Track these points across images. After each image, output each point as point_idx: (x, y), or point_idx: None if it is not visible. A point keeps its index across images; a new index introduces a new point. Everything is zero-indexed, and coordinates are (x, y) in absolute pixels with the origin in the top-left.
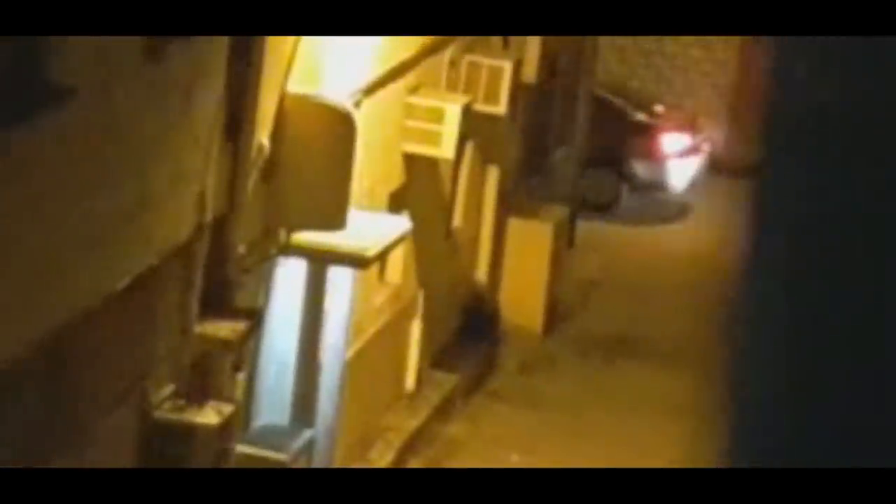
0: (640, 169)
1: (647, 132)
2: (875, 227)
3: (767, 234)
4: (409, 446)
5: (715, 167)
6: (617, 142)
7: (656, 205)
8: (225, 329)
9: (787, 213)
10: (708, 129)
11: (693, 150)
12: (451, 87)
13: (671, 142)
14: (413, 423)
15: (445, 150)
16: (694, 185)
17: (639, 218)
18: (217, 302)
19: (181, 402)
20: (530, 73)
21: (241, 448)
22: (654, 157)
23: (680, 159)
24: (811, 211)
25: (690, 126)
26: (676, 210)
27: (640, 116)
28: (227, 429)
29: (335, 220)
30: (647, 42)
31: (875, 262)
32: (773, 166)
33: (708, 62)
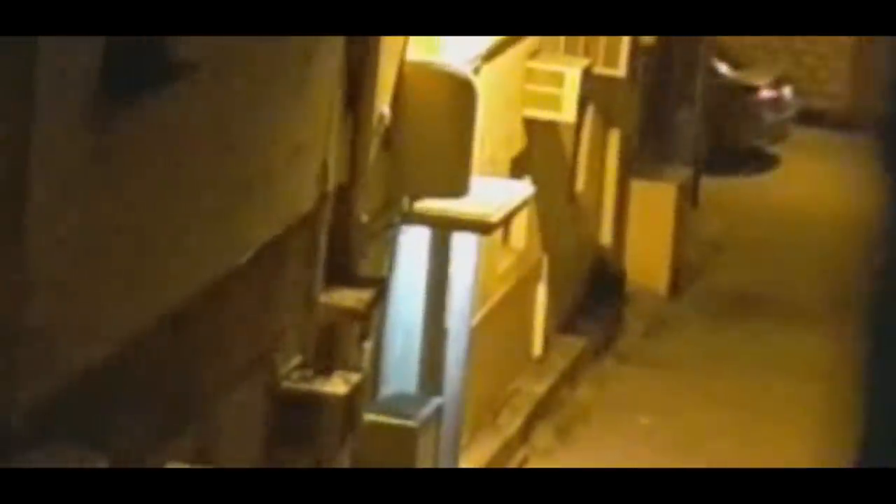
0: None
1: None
2: None
3: None
4: (538, 411)
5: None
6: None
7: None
8: (350, 298)
9: None
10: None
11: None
12: (571, 50)
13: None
14: (541, 388)
15: (566, 113)
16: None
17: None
18: (342, 271)
19: (308, 372)
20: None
21: (370, 417)
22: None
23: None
24: None
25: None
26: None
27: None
28: (354, 398)
29: (458, 186)
30: None
31: None
32: None
33: None
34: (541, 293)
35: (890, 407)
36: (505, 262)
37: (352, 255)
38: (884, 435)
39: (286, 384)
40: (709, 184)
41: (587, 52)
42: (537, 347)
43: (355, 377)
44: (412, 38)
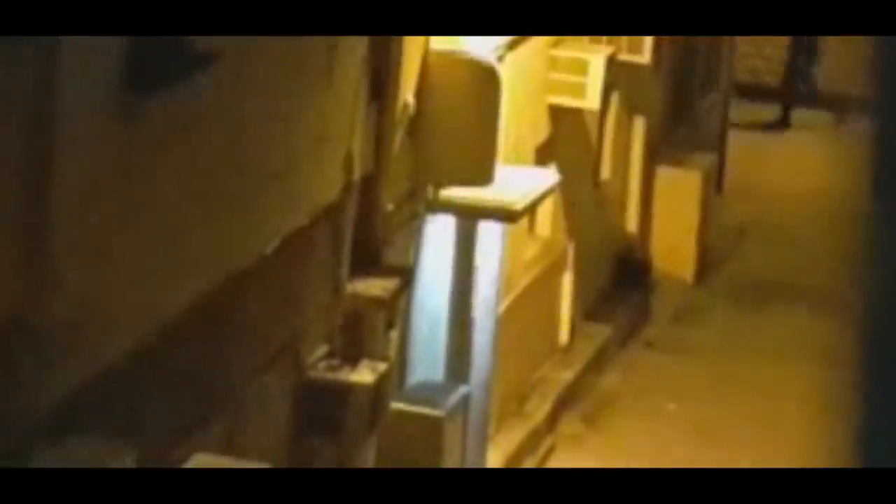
0: None
1: None
2: None
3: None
4: (565, 399)
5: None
6: None
7: None
8: (376, 287)
9: None
10: None
11: None
12: (594, 38)
13: None
14: (568, 376)
15: (590, 101)
16: None
17: None
18: (367, 261)
19: (335, 361)
20: None
21: (397, 405)
22: None
23: None
24: None
25: None
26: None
27: None
28: (381, 387)
29: (483, 175)
30: None
31: None
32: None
33: None
34: (567, 281)
35: (887, 406)
36: (531, 251)
37: (377, 244)
38: (882, 434)
39: (313, 373)
40: None
41: (611, 40)
42: (564, 335)
43: (382, 366)
44: None
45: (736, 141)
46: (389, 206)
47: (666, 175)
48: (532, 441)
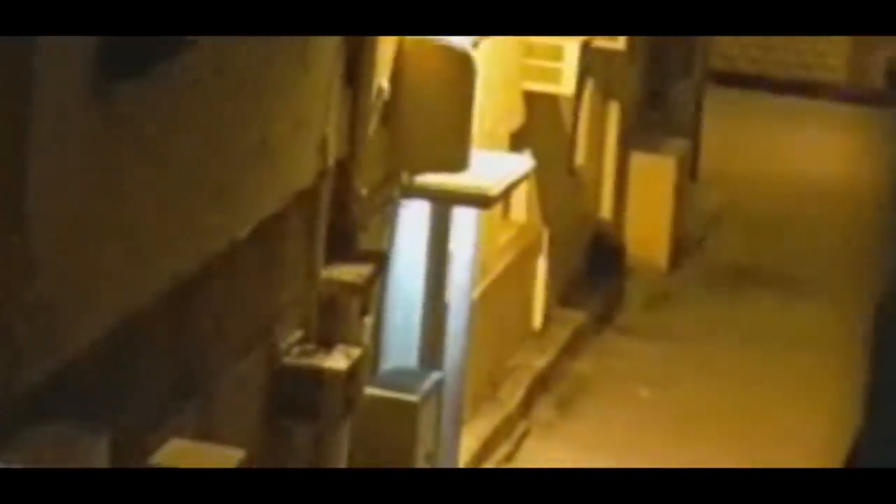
0: None
1: None
2: None
3: None
4: (539, 384)
5: None
6: None
7: None
8: (351, 273)
9: None
10: None
11: None
12: None
13: None
14: (542, 361)
15: (565, 86)
16: None
17: None
18: (342, 246)
19: (309, 346)
20: None
21: (371, 391)
22: None
23: None
24: None
25: None
26: None
27: None
28: (355, 372)
29: (457, 160)
30: None
31: None
32: None
33: None
34: (541, 266)
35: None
36: (505, 236)
37: (352, 229)
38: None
39: (287, 359)
40: None
41: None
42: (538, 320)
43: (356, 352)
44: None
45: (710, 127)
46: (364, 192)
47: (640, 161)
48: (506, 426)
